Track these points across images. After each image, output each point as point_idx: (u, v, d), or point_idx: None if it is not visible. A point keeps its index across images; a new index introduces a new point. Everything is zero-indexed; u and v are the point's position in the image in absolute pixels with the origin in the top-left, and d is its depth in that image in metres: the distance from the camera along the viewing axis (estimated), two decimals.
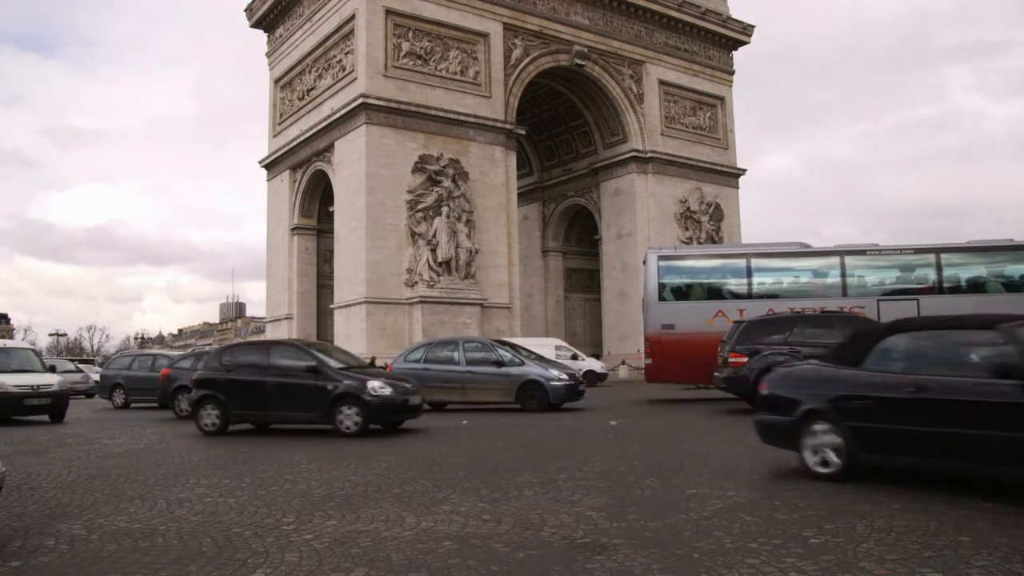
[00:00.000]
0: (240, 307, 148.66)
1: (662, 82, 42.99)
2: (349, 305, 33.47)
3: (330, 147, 35.77)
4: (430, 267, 33.21)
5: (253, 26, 43.12)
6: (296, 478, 7.76)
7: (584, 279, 47.55)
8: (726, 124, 46.03)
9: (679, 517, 5.57)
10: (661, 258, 19.44)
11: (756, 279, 18.74)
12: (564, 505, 6.10)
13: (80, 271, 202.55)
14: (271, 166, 41.71)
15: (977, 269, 18.29)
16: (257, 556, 4.76)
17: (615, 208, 42.79)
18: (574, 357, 29.89)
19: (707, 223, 43.42)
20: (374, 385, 11.75)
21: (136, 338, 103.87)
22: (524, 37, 37.80)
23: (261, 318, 76.84)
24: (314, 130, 36.51)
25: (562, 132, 45.37)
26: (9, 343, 20.07)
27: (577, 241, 47.86)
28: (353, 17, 34.19)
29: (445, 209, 33.78)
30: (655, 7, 42.39)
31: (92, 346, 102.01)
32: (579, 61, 39.53)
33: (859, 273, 18.45)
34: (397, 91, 33.56)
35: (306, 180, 38.85)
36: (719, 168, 45.00)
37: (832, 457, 6.75)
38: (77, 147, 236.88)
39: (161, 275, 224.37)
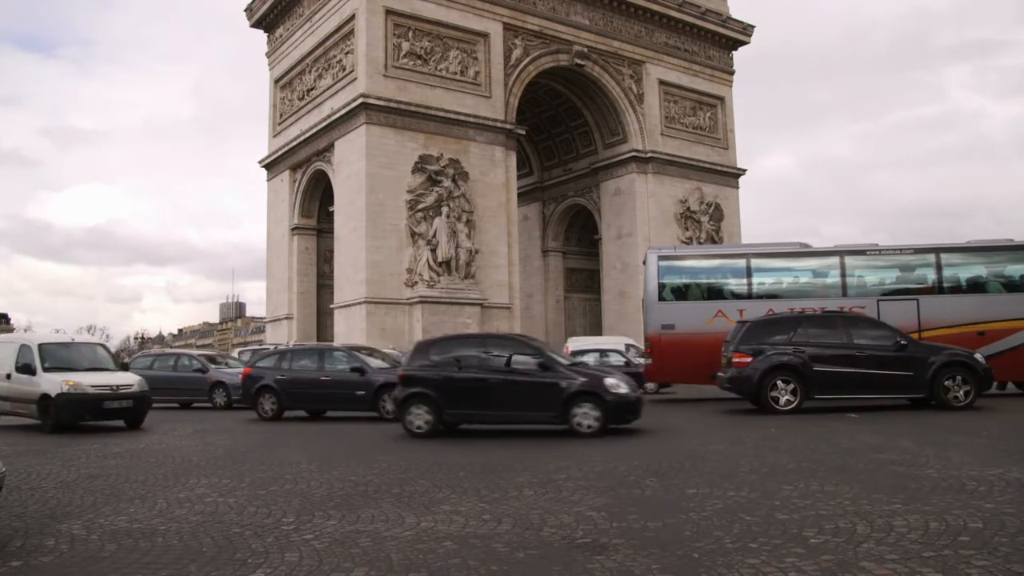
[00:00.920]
0: (240, 307, 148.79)
1: (662, 82, 42.98)
2: (349, 305, 33.47)
3: (330, 147, 35.77)
4: (430, 267, 33.21)
5: (253, 26, 43.13)
6: (296, 478, 7.76)
7: (584, 279, 47.55)
8: (726, 124, 46.02)
9: (679, 517, 5.57)
10: (661, 258, 19.44)
11: (756, 279, 18.74)
12: (564, 505, 6.10)
13: (79, 271, 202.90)
14: (271, 166, 41.70)
15: (977, 269, 18.28)
16: (257, 556, 4.77)
17: (615, 208, 42.78)
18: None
19: (707, 223, 43.42)
20: (611, 382, 11.10)
21: (136, 338, 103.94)
22: (524, 37, 37.80)
23: (261, 318, 76.89)
24: (314, 130, 36.50)
25: (562, 132, 45.36)
26: (76, 336, 18.07)
27: (577, 241, 47.86)
28: (353, 17, 34.18)
29: (445, 209, 33.78)
30: (655, 7, 42.38)
31: None
32: (579, 61, 39.52)
33: (859, 273, 18.45)
34: (397, 91, 33.56)
35: (306, 180, 38.85)
36: (719, 168, 44.99)
37: None
38: (76, 147, 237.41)
39: (160, 275, 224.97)
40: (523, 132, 38.49)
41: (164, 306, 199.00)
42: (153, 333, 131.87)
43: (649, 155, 41.68)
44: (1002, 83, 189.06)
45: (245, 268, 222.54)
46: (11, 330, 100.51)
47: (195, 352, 27.05)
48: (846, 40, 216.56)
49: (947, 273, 17.86)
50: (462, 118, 34.85)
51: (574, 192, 46.18)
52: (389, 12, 33.72)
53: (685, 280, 19.76)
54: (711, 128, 45.31)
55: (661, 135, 42.54)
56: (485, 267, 34.91)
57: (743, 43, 46.94)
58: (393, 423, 12.92)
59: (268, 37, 42.85)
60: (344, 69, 35.14)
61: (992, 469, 7.12)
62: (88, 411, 13.47)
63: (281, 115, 41.00)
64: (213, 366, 20.65)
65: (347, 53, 34.97)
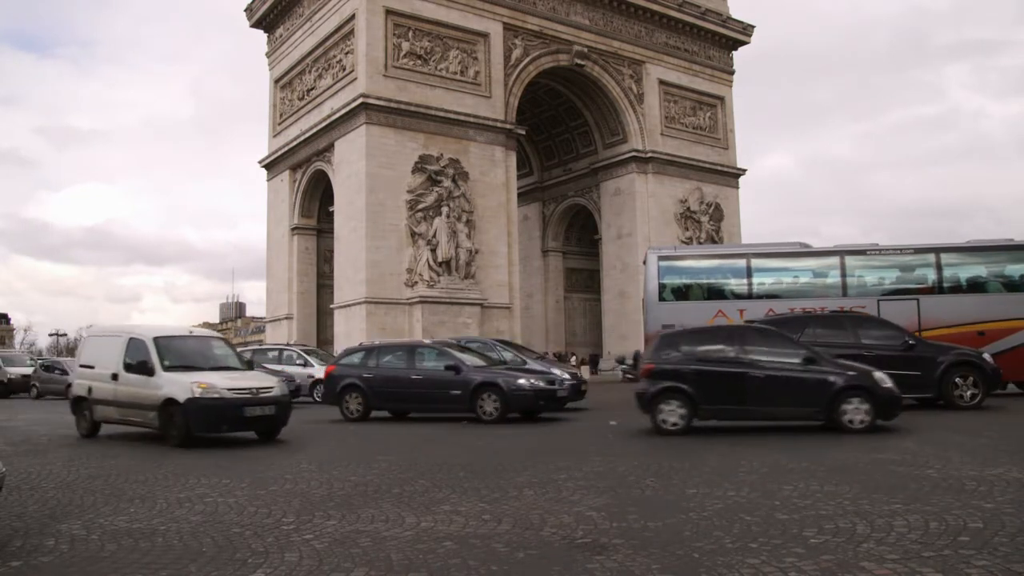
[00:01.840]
0: (240, 307, 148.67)
1: (662, 82, 42.99)
2: (349, 305, 33.47)
3: (330, 147, 35.77)
4: (430, 267, 33.22)
5: (253, 26, 43.13)
6: (296, 478, 7.76)
7: (584, 279, 47.57)
8: (726, 124, 46.03)
9: (679, 517, 5.56)
10: (661, 258, 19.45)
11: (756, 279, 18.75)
12: (564, 505, 6.10)
13: (78, 271, 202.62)
14: (271, 166, 41.71)
15: (977, 269, 18.29)
16: (257, 556, 4.76)
17: (615, 208, 42.79)
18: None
19: (707, 223, 43.43)
20: (880, 376, 10.73)
21: None
22: (524, 37, 37.80)
23: (261, 318, 76.87)
24: (314, 130, 36.51)
25: (562, 132, 45.37)
26: (197, 331, 14.89)
27: (577, 241, 47.87)
28: (353, 17, 34.19)
29: (445, 209, 33.78)
30: (655, 7, 42.39)
31: None
32: (579, 61, 39.53)
33: (859, 273, 18.46)
34: (397, 91, 33.57)
35: (306, 180, 38.86)
36: (719, 168, 45.00)
37: None
38: (74, 147, 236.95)
39: (159, 275, 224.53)
40: (523, 132, 38.50)
41: (163, 306, 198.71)
42: None
43: (649, 155, 41.69)
44: (1002, 83, 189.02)
45: (245, 268, 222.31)
46: (11, 330, 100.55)
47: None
48: (846, 40, 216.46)
49: (947, 273, 17.87)
50: (462, 118, 34.86)
51: (574, 192, 46.19)
52: (389, 12, 33.73)
53: (685, 280, 19.78)
54: (711, 128, 45.33)
55: (661, 135, 42.55)
56: (485, 267, 34.92)
57: (743, 43, 46.97)
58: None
59: (268, 37, 42.85)
60: (344, 69, 35.14)
61: (992, 469, 7.11)
62: (226, 420, 10.86)
63: (281, 115, 41.01)
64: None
65: (347, 53, 34.98)
